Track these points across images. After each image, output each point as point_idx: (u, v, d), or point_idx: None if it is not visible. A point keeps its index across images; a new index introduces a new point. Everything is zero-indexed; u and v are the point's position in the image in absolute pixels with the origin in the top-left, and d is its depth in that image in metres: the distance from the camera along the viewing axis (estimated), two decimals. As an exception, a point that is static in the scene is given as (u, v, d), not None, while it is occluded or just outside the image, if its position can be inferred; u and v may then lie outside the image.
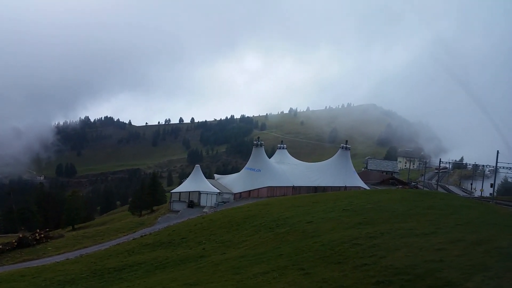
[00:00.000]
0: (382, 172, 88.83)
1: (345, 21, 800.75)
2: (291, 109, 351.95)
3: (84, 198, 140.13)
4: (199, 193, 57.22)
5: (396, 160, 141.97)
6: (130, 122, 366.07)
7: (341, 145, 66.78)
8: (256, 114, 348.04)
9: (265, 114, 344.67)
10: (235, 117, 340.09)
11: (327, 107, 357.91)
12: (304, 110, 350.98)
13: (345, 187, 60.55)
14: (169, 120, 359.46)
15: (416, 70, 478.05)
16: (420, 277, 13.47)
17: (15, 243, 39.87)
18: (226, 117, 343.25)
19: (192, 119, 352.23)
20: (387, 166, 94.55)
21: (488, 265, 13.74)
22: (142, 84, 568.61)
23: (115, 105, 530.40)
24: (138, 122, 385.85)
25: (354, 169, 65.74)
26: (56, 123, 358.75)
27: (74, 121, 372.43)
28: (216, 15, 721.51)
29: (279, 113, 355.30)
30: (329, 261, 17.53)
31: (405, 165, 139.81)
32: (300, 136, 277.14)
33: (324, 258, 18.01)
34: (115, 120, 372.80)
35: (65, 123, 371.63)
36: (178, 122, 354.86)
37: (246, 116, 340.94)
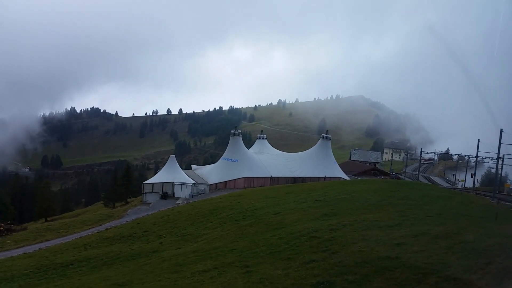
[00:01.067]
0: (366, 163, 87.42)
1: (335, 11, 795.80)
2: (279, 101, 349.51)
3: (67, 190, 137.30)
4: (173, 184, 55.05)
5: (382, 151, 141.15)
6: (117, 113, 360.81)
7: (322, 134, 64.96)
8: (244, 106, 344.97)
9: (253, 105, 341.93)
10: (223, 109, 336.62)
11: (316, 99, 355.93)
12: (293, 102, 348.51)
13: (325, 177, 58.84)
14: (157, 111, 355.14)
15: (404, 61, 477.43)
16: (367, 277, 11.64)
17: (-32, 237, 37.43)
18: (215, 109, 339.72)
19: (180, 110, 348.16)
20: (370, 156, 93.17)
21: (447, 263, 11.95)
22: (129, 75, 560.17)
23: (102, 96, 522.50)
24: (125, 113, 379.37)
25: (334, 160, 64.00)
26: (42, 114, 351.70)
27: (60, 112, 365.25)
28: (205, 4, 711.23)
29: (268, 104, 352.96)
30: (278, 257, 15.97)
31: (391, 157, 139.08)
32: (289, 127, 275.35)
33: (276, 253, 16.45)
34: (102, 111, 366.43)
35: (51, 114, 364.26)
36: (166, 113, 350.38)
37: (234, 107, 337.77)
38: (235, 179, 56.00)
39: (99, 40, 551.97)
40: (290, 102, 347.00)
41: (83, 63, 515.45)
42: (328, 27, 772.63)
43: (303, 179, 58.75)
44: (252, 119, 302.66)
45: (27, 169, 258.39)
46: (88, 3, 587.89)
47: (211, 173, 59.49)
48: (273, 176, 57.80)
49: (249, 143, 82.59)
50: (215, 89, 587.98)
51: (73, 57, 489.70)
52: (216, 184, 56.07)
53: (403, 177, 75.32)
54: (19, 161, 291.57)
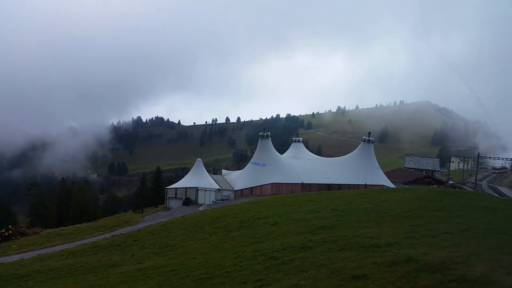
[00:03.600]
0: (421, 171, 78.10)
1: (399, 12, 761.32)
2: (339, 108, 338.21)
3: (115, 196, 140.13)
4: (197, 189, 51.71)
5: (450, 160, 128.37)
6: (179, 122, 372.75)
7: (363, 137, 58.24)
8: (302, 113, 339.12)
9: (311, 113, 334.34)
10: (280, 116, 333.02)
11: (378, 105, 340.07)
12: (353, 109, 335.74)
13: (365, 185, 52.21)
14: (216, 119, 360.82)
15: (477, 61, 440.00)
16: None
17: (-27, 240, 36.56)
18: (272, 116, 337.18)
19: (238, 118, 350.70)
20: (426, 164, 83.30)
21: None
22: (192, 84, 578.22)
23: (167, 106, 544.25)
24: (187, 121, 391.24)
25: (378, 166, 56.84)
26: (111, 123, 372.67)
27: (127, 121, 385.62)
28: (265, 10, 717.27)
29: (327, 111, 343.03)
30: (211, 282, 12.53)
31: (459, 165, 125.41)
32: (348, 135, 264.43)
33: (212, 278, 13.14)
34: (165, 120, 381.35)
35: (118, 123, 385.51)
36: (224, 121, 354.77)
37: (292, 115, 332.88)
38: (261, 185, 51.41)
39: (164, 51, 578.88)
40: (350, 108, 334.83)
41: (149, 74, 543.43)
42: (392, 29, 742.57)
43: (339, 186, 52.64)
44: (309, 126, 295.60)
45: (95, 175, 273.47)
46: (151, 16, 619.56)
47: (238, 178, 55.42)
48: (304, 182, 52.30)
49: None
50: (273, 96, 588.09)
51: (140, 69, 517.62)
52: (241, 190, 51.86)
53: (463, 187, 65.54)
54: (89, 167, 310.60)
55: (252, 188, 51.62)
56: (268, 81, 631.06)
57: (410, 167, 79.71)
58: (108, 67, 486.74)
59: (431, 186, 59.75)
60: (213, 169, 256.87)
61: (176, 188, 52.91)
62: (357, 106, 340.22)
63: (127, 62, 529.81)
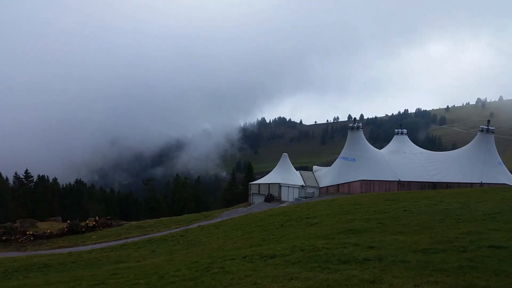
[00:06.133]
0: None
1: None
2: (478, 100, 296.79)
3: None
4: (279, 185, 48.73)
5: None
6: (301, 121, 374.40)
7: (481, 127, 47.86)
8: (435, 107, 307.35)
9: (445, 106, 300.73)
10: (409, 111, 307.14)
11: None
12: (496, 100, 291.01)
13: (481, 183, 42.60)
14: (338, 118, 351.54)
15: None
16: None
17: (66, 229, 39.70)
18: (399, 112, 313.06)
19: (362, 115, 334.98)
20: None
21: None
22: (314, 84, 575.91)
23: (289, 106, 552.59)
24: (308, 121, 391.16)
25: (500, 160, 46.00)
26: (240, 124, 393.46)
27: (252, 122, 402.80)
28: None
29: (463, 104, 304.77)
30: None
31: None
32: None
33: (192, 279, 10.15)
34: (288, 120, 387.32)
35: (245, 124, 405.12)
36: (346, 119, 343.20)
37: (422, 109, 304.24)
38: (349, 182, 45.83)
39: (287, 52, 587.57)
40: (492, 100, 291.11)
41: (274, 76, 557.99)
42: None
43: (446, 185, 44.06)
44: (443, 121, 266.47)
45: (224, 173, 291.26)
46: (271, 18, 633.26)
47: (326, 174, 50.61)
48: (401, 180, 44.96)
49: (439, 150, 68.80)
50: (401, 90, 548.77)
51: (265, 71, 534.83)
52: (327, 187, 47.08)
53: None
54: (220, 165, 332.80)
55: (338, 185, 46.44)
56: (397, 74, 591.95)
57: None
58: (237, 70, 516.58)
59: None
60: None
61: (259, 184, 50.75)
62: (500, 97, 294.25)
63: (253, 65, 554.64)
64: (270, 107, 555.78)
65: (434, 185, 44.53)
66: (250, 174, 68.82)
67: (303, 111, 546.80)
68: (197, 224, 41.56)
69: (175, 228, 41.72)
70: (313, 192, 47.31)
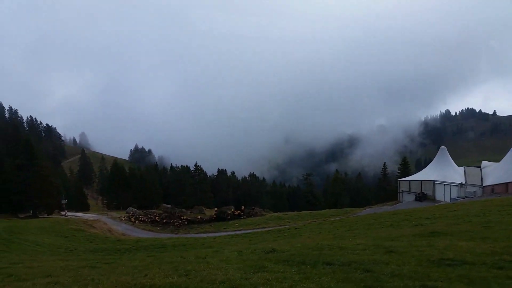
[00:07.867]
0: None
1: None
2: None
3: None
4: (434, 183, 43.74)
5: None
6: (494, 112, 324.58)
7: None
8: None
9: None
10: None
11: None
12: None
13: None
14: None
15: None
16: None
17: (215, 216, 44.46)
18: None
19: None
20: None
21: None
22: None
23: (481, 95, 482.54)
24: (505, 112, 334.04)
25: None
26: (422, 118, 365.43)
27: (434, 116, 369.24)
28: None
29: None
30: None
31: None
32: None
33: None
34: (477, 111, 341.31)
35: (426, 118, 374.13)
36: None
37: None
38: (523, 181, 37.63)
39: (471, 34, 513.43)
40: None
41: (460, 63, 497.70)
42: None
43: None
44: None
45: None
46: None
47: (495, 171, 42.77)
48: None
49: None
50: None
51: (444, 59, 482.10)
52: (492, 186, 39.79)
53: None
54: (397, 162, 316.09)
55: (507, 184, 38.60)
56: None
57: None
58: (413, 59, 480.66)
59: None
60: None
61: (409, 181, 46.46)
62: None
63: (432, 52, 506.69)
64: (456, 98, 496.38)
65: None
66: (406, 169, 63.34)
67: (498, 101, 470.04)
68: (336, 218, 40.88)
69: (311, 221, 41.96)
70: (474, 192, 40.75)
